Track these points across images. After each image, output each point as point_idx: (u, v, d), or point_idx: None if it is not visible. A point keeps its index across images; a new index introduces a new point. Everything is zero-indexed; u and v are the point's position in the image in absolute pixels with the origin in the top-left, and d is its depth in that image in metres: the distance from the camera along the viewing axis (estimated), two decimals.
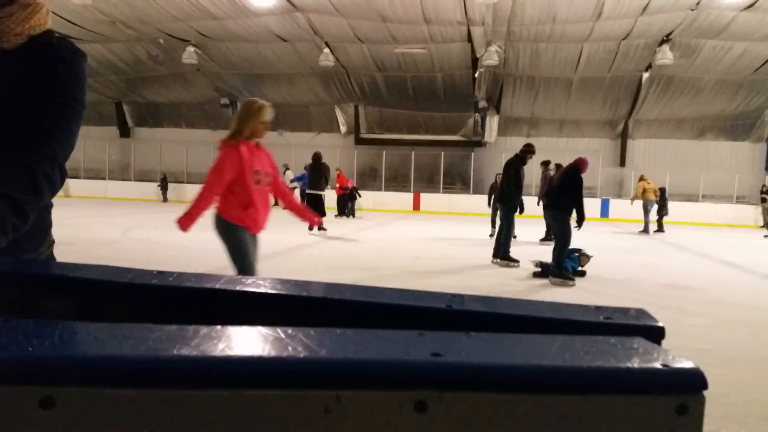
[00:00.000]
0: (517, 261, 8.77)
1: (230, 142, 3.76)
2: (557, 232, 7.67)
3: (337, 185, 19.13)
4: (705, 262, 10.68)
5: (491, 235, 13.13)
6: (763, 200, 20.74)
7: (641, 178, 17.31)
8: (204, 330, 0.64)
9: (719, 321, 5.72)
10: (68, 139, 1.38)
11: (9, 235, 1.17)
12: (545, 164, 13.20)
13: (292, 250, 10.18)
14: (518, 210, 9.39)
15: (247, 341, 0.62)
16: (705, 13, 17.96)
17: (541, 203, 12.91)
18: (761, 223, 21.12)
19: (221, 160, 3.73)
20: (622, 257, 10.68)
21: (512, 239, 9.29)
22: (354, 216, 19.03)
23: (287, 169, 23.68)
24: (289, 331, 0.66)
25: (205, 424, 0.55)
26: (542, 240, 12.61)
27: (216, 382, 0.55)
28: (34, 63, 1.37)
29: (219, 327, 0.66)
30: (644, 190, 16.61)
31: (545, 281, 7.66)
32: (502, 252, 8.96)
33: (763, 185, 21.66)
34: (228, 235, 3.83)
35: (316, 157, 13.58)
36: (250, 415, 0.55)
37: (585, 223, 7.80)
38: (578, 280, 7.70)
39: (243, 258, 3.83)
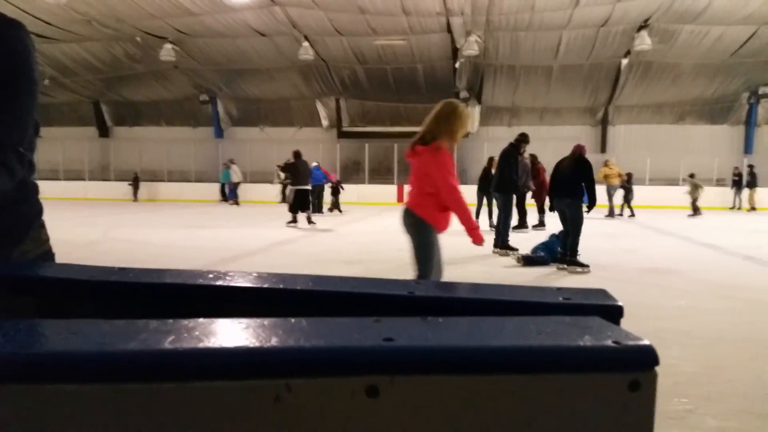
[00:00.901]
0: (516, 249, 8.80)
1: (442, 145, 3.70)
2: (572, 219, 7.62)
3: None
4: (687, 245, 10.80)
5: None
6: (735, 183, 21.41)
7: (605, 164, 17.85)
8: (154, 324, 0.64)
9: (701, 303, 5.79)
10: (18, 120, 1.25)
11: None
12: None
13: (276, 245, 10.15)
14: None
15: (197, 333, 0.62)
16: None
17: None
18: (731, 205, 21.75)
19: (444, 162, 3.68)
20: (605, 242, 10.77)
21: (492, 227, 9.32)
22: (340, 210, 18.89)
23: (233, 163, 23.92)
24: (243, 321, 0.66)
25: (151, 417, 0.54)
26: (515, 228, 12.61)
27: (161, 375, 0.54)
28: None
29: (170, 321, 0.65)
30: (606, 176, 17.22)
31: (531, 269, 7.71)
32: (501, 240, 8.99)
33: (735, 167, 22.07)
34: (421, 234, 3.79)
35: (299, 154, 13.77)
36: (197, 407, 0.54)
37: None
38: (560, 267, 7.77)
39: (431, 259, 3.79)
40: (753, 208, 21.28)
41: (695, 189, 18.28)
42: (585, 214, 7.68)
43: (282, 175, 22.40)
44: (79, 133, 27.85)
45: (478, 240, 3.82)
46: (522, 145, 9.25)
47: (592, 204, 7.77)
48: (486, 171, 12.87)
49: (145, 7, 19.15)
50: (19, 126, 1.26)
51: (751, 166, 21.77)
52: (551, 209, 7.97)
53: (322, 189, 18.72)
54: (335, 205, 19.03)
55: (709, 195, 22.44)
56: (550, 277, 7.22)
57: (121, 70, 25.19)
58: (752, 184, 21.44)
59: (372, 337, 0.61)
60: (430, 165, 3.71)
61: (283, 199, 22.81)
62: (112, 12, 19.57)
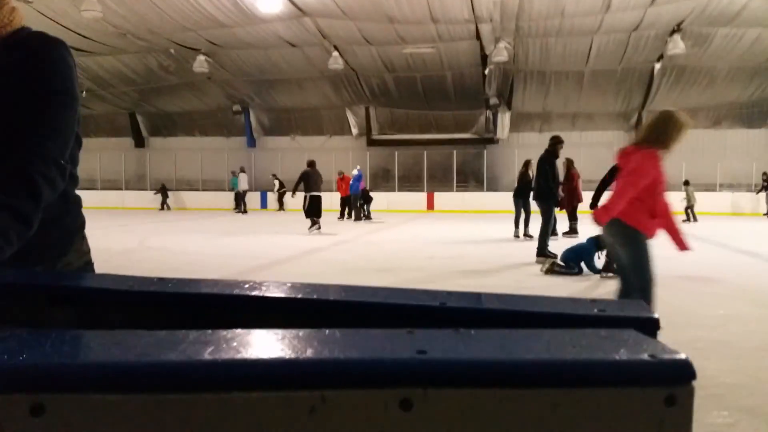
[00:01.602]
0: (554, 255, 8.61)
1: (652, 150, 3.75)
2: None
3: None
4: (723, 253, 10.55)
5: (517, 236, 12.54)
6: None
7: None
8: (193, 334, 0.65)
9: (738, 312, 5.65)
10: (60, 133, 1.31)
11: (15, 243, 1.15)
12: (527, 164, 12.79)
13: (307, 253, 10.23)
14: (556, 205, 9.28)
15: (234, 344, 0.63)
16: (716, 1, 17.73)
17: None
18: (764, 211, 21.31)
19: (644, 166, 3.71)
20: None
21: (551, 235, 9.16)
22: (370, 218, 18.99)
23: (243, 171, 24.41)
24: (279, 332, 0.67)
25: (191, 427, 0.55)
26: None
27: (201, 386, 0.56)
28: (8, 65, 1.30)
29: (209, 331, 0.67)
30: None
31: (560, 278, 7.62)
32: (540, 248, 8.86)
33: (764, 173, 21.49)
34: (634, 242, 3.75)
35: (313, 163, 14.68)
36: (235, 418, 0.55)
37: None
38: (596, 275, 7.68)
39: (648, 267, 3.73)
40: None
41: (690, 197, 18.55)
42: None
43: (277, 183, 23.44)
44: (115, 144, 28.53)
45: (595, 216, 3.81)
46: (558, 148, 9.12)
47: None
48: (521, 176, 12.41)
49: (178, 19, 19.55)
50: (61, 140, 1.31)
51: None
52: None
53: (367, 196, 19.05)
54: (366, 213, 19.14)
55: (747, 201, 21.95)
56: (588, 287, 7.13)
57: (156, 82, 25.74)
58: None
59: (405, 349, 0.62)
60: (633, 165, 3.76)
61: (281, 207, 23.82)
62: (145, 25, 20.03)
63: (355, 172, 18.85)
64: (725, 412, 3.03)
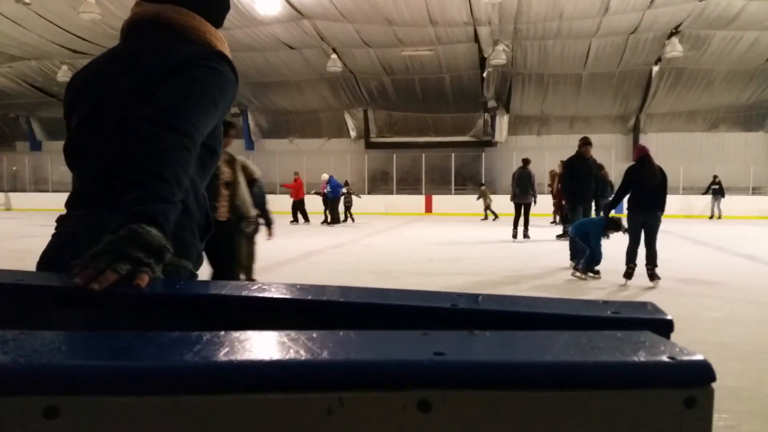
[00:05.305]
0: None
1: None
2: (655, 230, 7.40)
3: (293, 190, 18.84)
4: (721, 255, 10.56)
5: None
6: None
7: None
8: (207, 335, 0.64)
9: (737, 314, 5.65)
10: None
11: None
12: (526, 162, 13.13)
13: (305, 255, 10.21)
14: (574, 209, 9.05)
15: (249, 345, 0.62)
16: (713, 4, 17.78)
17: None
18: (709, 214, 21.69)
19: None
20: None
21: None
22: (353, 220, 18.77)
23: None
24: (292, 334, 0.66)
25: (207, 429, 0.55)
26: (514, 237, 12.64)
27: (218, 387, 0.55)
28: None
29: (222, 332, 0.66)
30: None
31: (560, 281, 7.62)
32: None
33: (715, 176, 21.63)
34: None
35: None
36: (252, 419, 0.55)
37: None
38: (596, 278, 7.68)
39: None
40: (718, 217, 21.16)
41: (484, 196, 19.95)
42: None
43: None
44: None
45: None
46: (585, 150, 8.94)
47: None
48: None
49: None
50: None
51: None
52: (630, 223, 7.57)
53: (348, 198, 18.85)
54: (350, 216, 19.00)
55: (744, 204, 21.98)
56: (595, 289, 7.13)
57: None
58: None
59: (422, 351, 0.61)
60: None
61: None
62: None
63: (325, 176, 18.49)
64: (726, 414, 3.03)
